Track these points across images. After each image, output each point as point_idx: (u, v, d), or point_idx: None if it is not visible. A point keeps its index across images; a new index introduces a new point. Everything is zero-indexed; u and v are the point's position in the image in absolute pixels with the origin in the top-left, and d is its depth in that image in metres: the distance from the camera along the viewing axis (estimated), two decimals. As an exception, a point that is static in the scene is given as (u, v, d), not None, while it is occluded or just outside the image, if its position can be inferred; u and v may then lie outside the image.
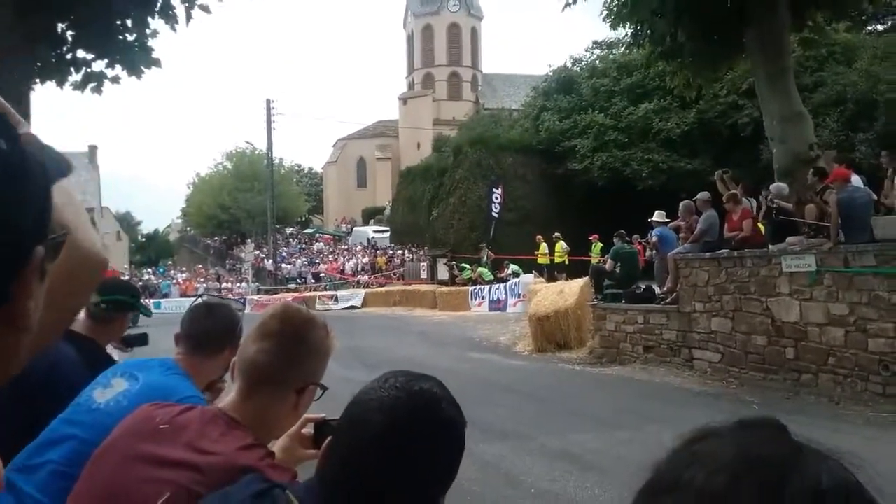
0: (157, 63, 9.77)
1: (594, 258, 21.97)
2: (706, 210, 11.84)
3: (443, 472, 1.15)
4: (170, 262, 59.03)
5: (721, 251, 10.90)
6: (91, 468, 1.46)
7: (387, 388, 1.14)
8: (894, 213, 9.15)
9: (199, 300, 2.28)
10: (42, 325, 0.77)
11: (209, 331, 2.12)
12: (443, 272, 31.16)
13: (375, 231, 48.50)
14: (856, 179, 9.99)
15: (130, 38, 9.47)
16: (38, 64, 8.75)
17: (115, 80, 9.72)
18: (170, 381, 1.92)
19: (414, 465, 1.09)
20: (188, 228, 71.47)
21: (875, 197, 10.15)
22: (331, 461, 1.15)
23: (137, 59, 9.62)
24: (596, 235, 23.18)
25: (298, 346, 1.52)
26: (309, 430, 1.70)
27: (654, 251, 13.41)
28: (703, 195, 12.14)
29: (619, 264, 13.80)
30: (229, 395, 1.59)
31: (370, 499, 1.09)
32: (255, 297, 34.24)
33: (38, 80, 8.87)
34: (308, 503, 1.10)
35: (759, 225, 11.18)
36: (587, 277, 15.63)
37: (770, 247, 10.06)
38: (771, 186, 11.03)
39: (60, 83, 9.26)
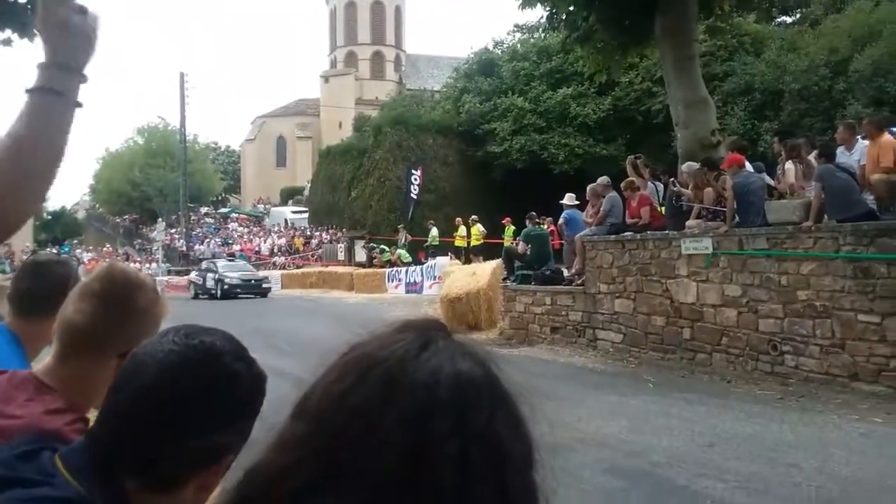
0: None
1: (507, 241, 22.09)
2: (607, 193, 12.04)
3: (224, 431, 1.01)
4: (76, 242, 56.40)
5: (625, 234, 11.08)
6: None
7: (164, 342, 1.03)
8: (786, 198, 9.44)
9: (29, 257, 2.10)
10: None
11: (33, 292, 1.93)
12: (360, 254, 30.88)
13: (293, 211, 47.65)
14: (750, 166, 10.26)
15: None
16: None
17: (7, 42, 9.22)
18: None
19: (186, 423, 0.97)
20: (96, 206, 68.49)
21: (771, 182, 10.48)
22: (99, 419, 1.03)
23: (30, 21, 9.07)
24: (509, 218, 23.30)
25: (120, 307, 1.39)
26: None
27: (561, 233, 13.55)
28: (602, 180, 12.45)
29: (529, 245, 13.88)
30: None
31: (138, 460, 0.97)
32: (165, 279, 33.13)
33: None
34: (74, 464, 0.97)
35: (660, 209, 11.40)
36: (499, 259, 15.68)
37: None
38: (683, 166, 11.27)
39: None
